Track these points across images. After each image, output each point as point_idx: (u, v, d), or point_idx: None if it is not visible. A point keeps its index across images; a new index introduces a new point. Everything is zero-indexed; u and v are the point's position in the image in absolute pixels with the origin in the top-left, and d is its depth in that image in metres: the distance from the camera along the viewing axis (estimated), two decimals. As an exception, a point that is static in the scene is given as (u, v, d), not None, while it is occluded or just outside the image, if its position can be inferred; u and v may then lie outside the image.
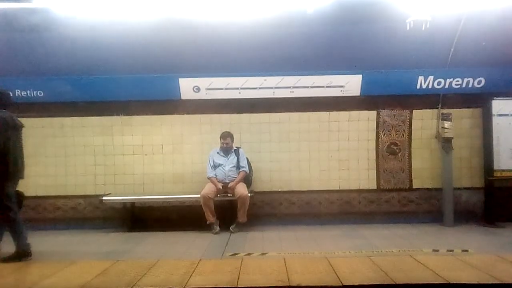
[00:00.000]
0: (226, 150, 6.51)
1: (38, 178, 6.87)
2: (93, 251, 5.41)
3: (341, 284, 3.77)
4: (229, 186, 6.37)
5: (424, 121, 6.88)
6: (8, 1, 5.52)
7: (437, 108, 6.78)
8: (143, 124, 6.92)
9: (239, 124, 6.91)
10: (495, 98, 6.49)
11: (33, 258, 4.93)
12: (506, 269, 4.17)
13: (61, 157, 6.90)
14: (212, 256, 4.98)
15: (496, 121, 6.50)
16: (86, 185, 6.90)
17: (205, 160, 6.60)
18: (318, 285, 3.80)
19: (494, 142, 6.49)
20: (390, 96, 6.75)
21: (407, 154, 6.91)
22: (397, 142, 6.91)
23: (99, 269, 4.30)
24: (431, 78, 6.53)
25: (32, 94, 6.58)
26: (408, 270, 4.17)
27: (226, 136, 6.48)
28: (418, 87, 6.57)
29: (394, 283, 3.80)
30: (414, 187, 6.90)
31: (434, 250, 5.08)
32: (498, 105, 6.49)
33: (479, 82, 6.49)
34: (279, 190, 6.91)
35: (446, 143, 6.58)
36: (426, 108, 6.84)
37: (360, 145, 6.90)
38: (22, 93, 6.57)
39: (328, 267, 4.24)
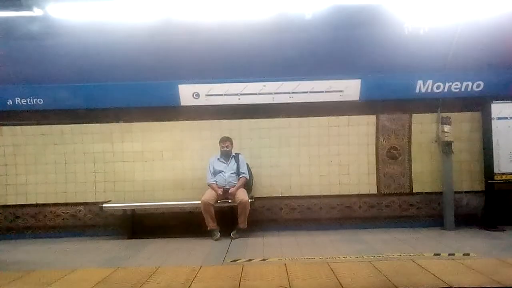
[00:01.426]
0: (226, 155, 6.51)
1: (38, 186, 6.88)
2: (94, 259, 5.39)
3: (342, 290, 3.76)
4: (229, 192, 6.36)
5: (423, 125, 6.88)
6: (8, 10, 5.56)
7: (437, 112, 6.78)
8: (143, 131, 6.93)
9: (239, 129, 6.91)
10: (494, 101, 6.51)
11: (34, 266, 4.92)
12: (508, 273, 4.16)
13: (61, 164, 6.90)
14: (213, 263, 4.96)
15: (495, 124, 6.51)
16: (86, 192, 6.90)
17: (205, 166, 6.60)
18: (320, 290, 3.80)
19: (494, 145, 6.50)
20: (389, 100, 6.75)
21: (407, 158, 6.91)
22: (397, 146, 6.91)
23: (99, 277, 4.30)
24: (430, 82, 6.53)
25: (31, 102, 6.58)
26: (410, 274, 4.16)
27: (226, 140, 6.49)
28: (417, 91, 6.58)
29: (395, 287, 3.79)
30: (414, 191, 6.89)
31: (435, 254, 5.07)
32: (497, 109, 6.51)
33: (478, 86, 6.50)
34: (280, 195, 6.90)
35: (446, 146, 6.58)
36: (425, 112, 6.85)
37: (360, 150, 6.90)
38: (22, 101, 6.58)
39: (329, 272, 4.23)
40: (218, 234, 6.24)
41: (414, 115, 6.87)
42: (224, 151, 6.49)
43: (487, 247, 5.42)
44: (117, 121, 6.90)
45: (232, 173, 6.47)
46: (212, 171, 6.51)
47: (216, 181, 6.46)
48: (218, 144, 6.52)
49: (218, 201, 6.35)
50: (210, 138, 6.84)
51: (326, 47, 6.28)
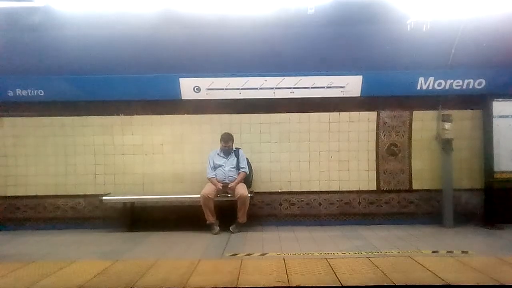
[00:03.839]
0: (227, 151, 6.51)
1: (38, 177, 6.89)
2: (93, 251, 5.41)
3: (340, 285, 3.77)
4: (229, 186, 6.37)
5: (424, 122, 6.87)
6: (9, 0, 5.54)
7: (438, 109, 6.77)
8: (144, 124, 6.92)
9: (240, 124, 6.91)
10: (495, 99, 6.50)
11: (33, 257, 4.93)
12: (506, 271, 4.17)
13: (61, 156, 6.91)
14: (212, 256, 4.98)
15: (496, 122, 6.50)
16: (86, 184, 6.90)
17: (205, 160, 6.60)
18: (318, 285, 3.81)
19: (495, 143, 6.49)
20: (391, 97, 6.74)
21: (407, 155, 6.91)
22: (397, 143, 6.91)
23: (98, 269, 4.31)
24: (431, 79, 6.52)
25: (32, 93, 6.58)
26: (408, 271, 4.17)
27: (228, 140, 6.46)
28: (418, 88, 6.57)
29: (393, 284, 3.81)
30: (414, 188, 6.89)
31: (433, 252, 5.08)
32: (499, 107, 6.50)
33: (479, 84, 6.49)
34: (279, 190, 6.91)
35: (446, 144, 6.57)
36: (426, 109, 6.84)
37: (360, 146, 6.90)
38: (23, 92, 6.58)
39: (328, 268, 4.24)
40: (217, 228, 6.26)
41: (415, 112, 6.86)
42: (225, 150, 6.49)
43: (485, 245, 5.44)
44: (118, 114, 6.89)
45: (232, 168, 6.47)
46: (212, 165, 6.51)
47: (216, 176, 6.46)
48: (219, 141, 6.50)
49: (218, 195, 6.36)
50: (211, 132, 6.84)
51: (328, 42, 6.26)
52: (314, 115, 6.89)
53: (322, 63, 6.41)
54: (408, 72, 6.53)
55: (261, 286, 3.79)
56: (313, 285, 3.81)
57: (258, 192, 6.77)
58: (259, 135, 6.93)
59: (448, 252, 5.07)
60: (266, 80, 6.56)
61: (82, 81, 6.56)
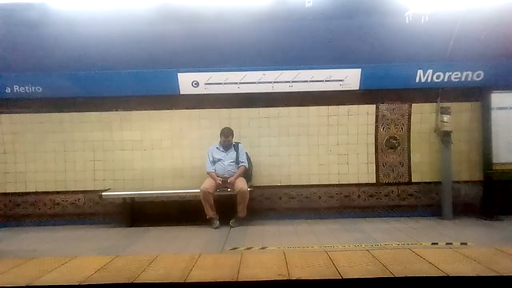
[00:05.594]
0: (226, 146, 6.51)
1: (37, 174, 6.88)
2: (93, 247, 5.42)
3: (340, 278, 3.78)
4: (228, 181, 6.37)
5: (423, 115, 6.87)
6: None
7: (436, 102, 6.76)
8: (142, 119, 6.91)
9: (238, 118, 6.90)
10: (494, 91, 6.49)
11: (33, 254, 4.94)
12: (505, 262, 4.17)
13: (60, 152, 6.89)
14: (212, 251, 4.99)
15: (495, 114, 6.50)
16: (86, 180, 6.90)
17: (204, 154, 6.60)
18: (318, 278, 3.81)
19: (493, 135, 6.49)
20: (389, 90, 6.73)
21: (406, 148, 6.91)
22: (396, 136, 6.90)
23: (99, 264, 4.31)
24: (430, 71, 6.51)
25: (30, 90, 6.54)
26: (407, 263, 4.18)
27: (228, 134, 6.46)
28: (417, 80, 6.55)
29: (393, 276, 3.81)
30: (413, 180, 6.90)
31: (433, 243, 5.10)
32: (497, 99, 6.49)
33: (478, 76, 6.47)
34: (279, 184, 6.91)
35: (445, 136, 6.58)
36: (425, 102, 6.83)
37: (359, 139, 6.90)
38: (20, 89, 6.54)
39: (328, 261, 4.25)
40: (217, 223, 6.27)
41: (413, 105, 6.85)
42: (225, 144, 6.49)
43: (484, 237, 5.46)
44: (116, 110, 6.87)
45: (231, 162, 6.47)
46: (211, 159, 6.51)
47: (215, 170, 6.46)
48: (219, 136, 6.49)
49: (217, 190, 6.37)
50: (209, 127, 6.84)
51: (326, 35, 6.25)
52: (313, 109, 6.88)
53: (320, 56, 6.40)
54: (406, 65, 6.51)
55: (262, 279, 3.79)
56: (314, 278, 3.82)
57: (257, 186, 6.78)
58: (258, 129, 6.92)
59: (447, 243, 5.08)
60: (264, 74, 6.54)
61: (80, 77, 6.53)
